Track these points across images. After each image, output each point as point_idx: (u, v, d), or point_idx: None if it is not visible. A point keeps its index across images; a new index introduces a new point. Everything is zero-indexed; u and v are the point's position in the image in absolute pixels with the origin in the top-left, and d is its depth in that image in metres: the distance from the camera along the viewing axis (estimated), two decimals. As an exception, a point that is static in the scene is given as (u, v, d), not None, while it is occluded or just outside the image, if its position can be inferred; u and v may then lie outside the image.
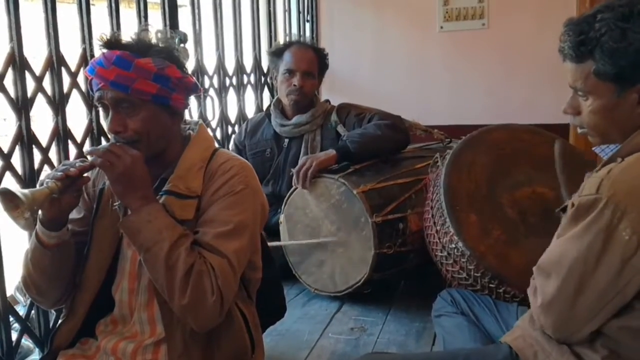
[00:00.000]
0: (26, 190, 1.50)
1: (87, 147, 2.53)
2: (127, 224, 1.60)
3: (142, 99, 1.60)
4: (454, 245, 2.41)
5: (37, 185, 1.57)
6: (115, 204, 1.71)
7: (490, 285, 2.32)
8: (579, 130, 1.61)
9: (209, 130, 1.96)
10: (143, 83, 1.58)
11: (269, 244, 2.22)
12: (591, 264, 1.40)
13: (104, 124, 1.69)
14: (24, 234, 2.11)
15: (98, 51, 1.64)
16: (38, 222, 1.62)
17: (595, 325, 1.44)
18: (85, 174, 1.61)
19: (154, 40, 1.65)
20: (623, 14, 1.41)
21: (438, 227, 2.50)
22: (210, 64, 3.66)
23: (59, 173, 1.54)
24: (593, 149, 1.67)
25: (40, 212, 1.58)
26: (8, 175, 2.19)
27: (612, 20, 1.41)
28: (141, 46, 1.63)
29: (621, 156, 1.46)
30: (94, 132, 2.57)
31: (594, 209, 1.39)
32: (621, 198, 1.36)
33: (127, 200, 1.60)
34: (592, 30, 1.43)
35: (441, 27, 4.60)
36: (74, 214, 1.71)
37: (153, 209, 1.59)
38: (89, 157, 1.63)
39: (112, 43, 1.62)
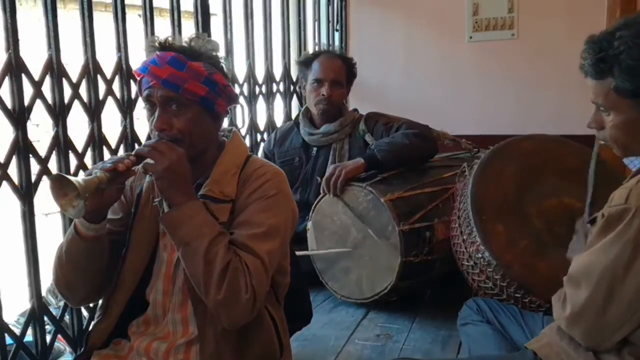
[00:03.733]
0: (78, 178, 1.52)
1: (121, 152, 2.58)
2: (169, 218, 1.64)
3: (191, 99, 1.65)
4: (480, 255, 2.42)
5: (85, 176, 1.60)
6: (156, 199, 1.75)
7: (516, 295, 2.32)
8: (602, 143, 1.64)
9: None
10: (194, 84, 1.64)
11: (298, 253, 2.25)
12: (620, 273, 1.42)
13: (143, 126, 1.73)
14: (58, 237, 2.16)
15: (133, 59, 1.68)
16: None
17: (625, 333, 1.46)
18: (131, 168, 1.64)
19: (203, 49, 1.70)
20: None
21: (465, 237, 2.51)
22: (240, 73, 3.71)
23: (108, 165, 1.58)
24: (623, 160, 1.69)
25: None
26: (45, 179, 2.22)
27: (631, 38, 1.44)
28: (193, 51, 1.68)
29: None
30: (128, 138, 2.62)
31: (624, 219, 1.41)
32: None
33: (170, 195, 1.64)
34: (611, 47, 1.46)
35: (470, 37, 4.59)
36: (111, 214, 1.75)
37: (195, 205, 1.64)
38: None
39: (166, 45, 1.68)
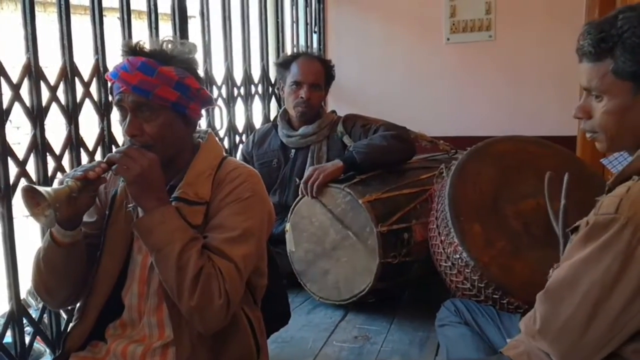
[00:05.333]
0: (48, 188, 1.53)
1: (98, 154, 2.57)
2: (141, 225, 1.64)
3: (162, 105, 1.65)
4: (458, 256, 2.43)
5: (57, 185, 1.62)
6: (129, 205, 1.75)
7: (494, 296, 2.33)
8: (588, 135, 1.56)
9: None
10: (164, 90, 1.63)
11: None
12: (608, 287, 1.35)
13: (120, 129, 1.74)
14: (37, 239, 2.16)
15: (110, 62, 1.68)
16: None
17: (607, 352, 1.39)
18: (102, 175, 1.64)
19: (175, 52, 1.70)
20: None
21: (442, 238, 2.52)
22: (218, 74, 3.71)
23: (79, 173, 1.59)
24: (601, 161, 1.65)
25: None
26: (23, 181, 2.23)
27: (636, 18, 1.39)
28: (164, 55, 1.68)
29: (634, 171, 1.42)
30: (105, 140, 2.61)
31: (610, 229, 1.35)
32: None
33: (142, 201, 1.64)
34: (614, 27, 1.41)
35: (448, 39, 4.62)
36: (86, 218, 1.75)
37: (167, 211, 1.64)
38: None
39: (137, 50, 1.67)
